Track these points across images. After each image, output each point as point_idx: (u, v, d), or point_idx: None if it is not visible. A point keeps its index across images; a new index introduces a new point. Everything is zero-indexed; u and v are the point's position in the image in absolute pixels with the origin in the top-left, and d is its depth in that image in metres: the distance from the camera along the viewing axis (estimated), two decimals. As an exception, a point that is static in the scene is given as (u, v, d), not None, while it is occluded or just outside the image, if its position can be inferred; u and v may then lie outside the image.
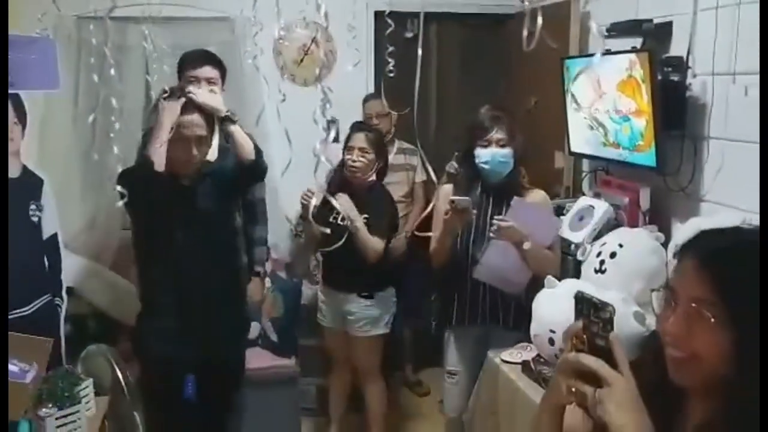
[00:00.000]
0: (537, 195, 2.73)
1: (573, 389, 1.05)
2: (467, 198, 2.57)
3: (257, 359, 3.48)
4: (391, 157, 3.60)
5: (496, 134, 2.63)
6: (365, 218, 2.95)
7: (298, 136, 1.34)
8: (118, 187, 1.73)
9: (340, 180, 3.06)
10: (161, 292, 2.49)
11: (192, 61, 2.88)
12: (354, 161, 3.00)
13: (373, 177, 3.09)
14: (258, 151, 2.50)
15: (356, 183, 3.02)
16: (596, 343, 1.04)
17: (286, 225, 3.82)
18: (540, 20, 0.85)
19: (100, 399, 2.30)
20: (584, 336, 1.06)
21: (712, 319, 0.99)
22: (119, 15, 2.99)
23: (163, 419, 2.47)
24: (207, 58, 2.91)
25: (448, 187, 2.84)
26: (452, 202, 2.54)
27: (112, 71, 1.82)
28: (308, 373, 3.60)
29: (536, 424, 1.18)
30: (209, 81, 2.88)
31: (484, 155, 2.65)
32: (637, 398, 1.02)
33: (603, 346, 1.03)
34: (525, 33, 0.93)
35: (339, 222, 2.88)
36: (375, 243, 2.94)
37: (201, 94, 2.45)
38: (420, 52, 1.05)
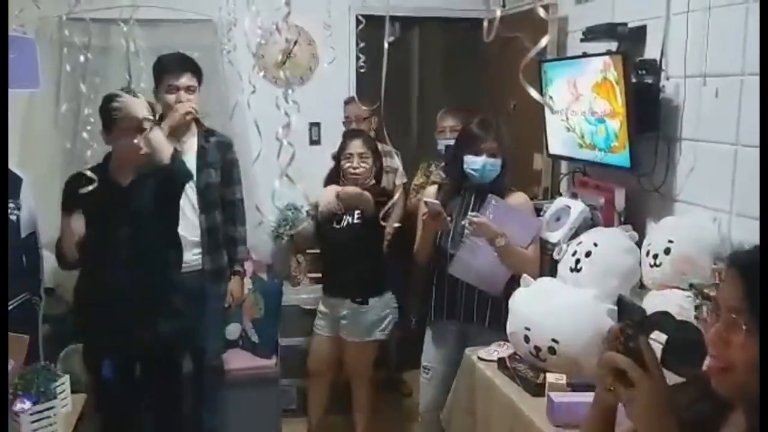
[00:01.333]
0: (518, 197, 2.78)
1: (611, 388, 1.10)
2: (437, 202, 2.63)
3: (238, 360, 3.49)
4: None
5: (488, 144, 2.68)
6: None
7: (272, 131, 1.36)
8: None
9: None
10: (94, 290, 2.56)
11: (171, 69, 2.91)
12: (355, 168, 3.05)
13: (373, 181, 3.13)
14: (175, 156, 2.55)
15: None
16: (629, 344, 1.09)
17: (267, 227, 3.82)
18: (498, 12, 0.88)
19: (78, 396, 2.31)
20: (621, 337, 1.11)
21: (744, 327, 1.01)
22: (101, 16, 3.03)
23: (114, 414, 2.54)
24: (186, 66, 2.94)
25: (431, 189, 2.90)
26: (426, 204, 2.60)
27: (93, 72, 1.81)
28: (288, 374, 3.61)
29: (585, 421, 1.23)
30: (188, 89, 2.91)
31: (474, 163, 2.70)
32: (664, 402, 1.05)
33: (633, 347, 1.09)
34: (485, 24, 0.96)
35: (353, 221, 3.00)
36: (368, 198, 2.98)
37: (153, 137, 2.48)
38: (386, 45, 1.07)
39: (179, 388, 2.88)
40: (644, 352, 1.07)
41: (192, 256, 3.01)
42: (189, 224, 2.99)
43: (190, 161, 2.98)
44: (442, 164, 3.29)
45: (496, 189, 2.70)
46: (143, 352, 2.68)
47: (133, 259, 2.54)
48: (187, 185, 2.92)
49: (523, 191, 2.86)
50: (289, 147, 0.91)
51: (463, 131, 2.89)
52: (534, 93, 0.92)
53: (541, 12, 0.96)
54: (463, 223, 2.64)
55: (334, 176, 3.15)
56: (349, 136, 3.19)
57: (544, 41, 0.89)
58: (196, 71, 2.96)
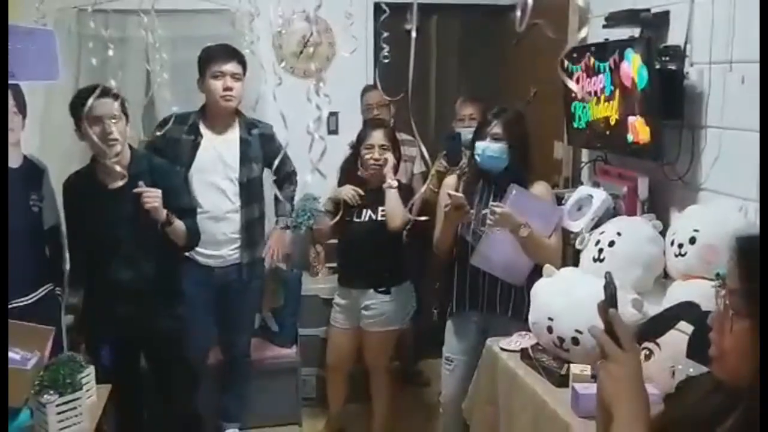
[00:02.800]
0: (540, 186, 2.76)
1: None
2: (461, 195, 2.61)
3: (258, 349, 3.52)
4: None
5: (494, 128, 2.67)
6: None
7: (297, 122, 1.35)
8: None
9: (356, 178, 3.09)
10: (93, 286, 2.73)
11: (218, 56, 2.95)
12: (377, 159, 3.04)
13: (394, 181, 3.11)
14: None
15: (375, 180, 3.06)
16: (607, 320, 1.12)
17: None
18: (531, 1, 0.86)
19: (102, 387, 2.33)
20: (601, 315, 1.14)
21: (732, 312, 1.00)
22: (119, 7, 3.03)
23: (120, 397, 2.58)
24: (232, 53, 2.98)
25: (451, 180, 2.88)
26: (449, 195, 2.58)
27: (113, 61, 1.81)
28: (308, 364, 3.63)
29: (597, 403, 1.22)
30: (234, 76, 2.93)
31: (478, 147, 2.70)
32: (635, 374, 1.07)
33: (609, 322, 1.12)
34: (518, 13, 0.94)
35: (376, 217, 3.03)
36: (403, 209, 2.99)
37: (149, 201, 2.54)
38: (414, 34, 1.05)
39: (186, 379, 2.96)
40: (615, 327, 1.09)
41: (229, 251, 3.06)
42: (226, 221, 3.03)
43: (233, 154, 3.02)
44: (444, 153, 3.27)
45: (516, 178, 2.68)
46: (144, 343, 2.80)
47: (130, 257, 2.63)
48: (226, 179, 2.99)
49: (544, 180, 2.83)
50: (321, 140, 0.90)
51: (481, 119, 2.88)
52: (571, 83, 0.90)
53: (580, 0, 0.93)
54: (484, 212, 2.62)
55: (352, 165, 3.13)
56: (371, 125, 3.17)
57: (582, 32, 0.87)
58: (242, 60, 2.98)
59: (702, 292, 2.11)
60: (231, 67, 2.93)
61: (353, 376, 3.40)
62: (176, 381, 2.89)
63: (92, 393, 2.21)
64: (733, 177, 2.36)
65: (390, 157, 3.07)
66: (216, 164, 3.00)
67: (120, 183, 2.59)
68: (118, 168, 2.46)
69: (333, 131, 4.01)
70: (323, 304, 3.59)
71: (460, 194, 2.61)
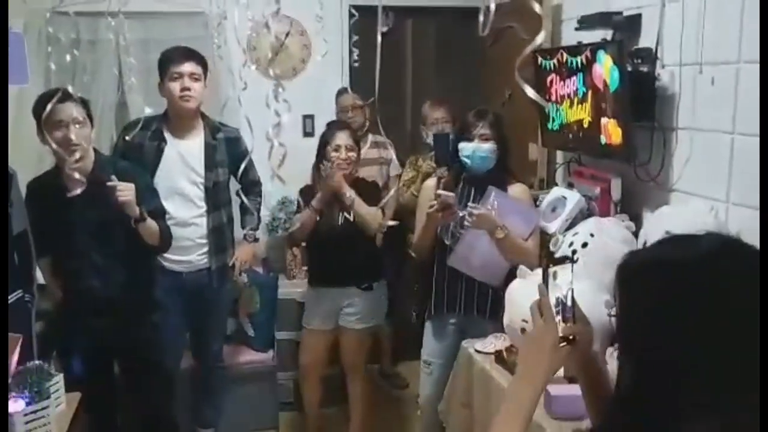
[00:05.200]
0: (518, 188, 2.77)
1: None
2: (452, 194, 2.61)
3: (234, 354, 3.49)
4: (364, 151, 3.62)
5: (480, 129, 2.68)
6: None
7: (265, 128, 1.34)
8: None
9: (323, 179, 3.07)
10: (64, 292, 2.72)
11: (174, 57, 2.91)
12: (345, 159, 3.03)
13: (357, 171, 3.14)
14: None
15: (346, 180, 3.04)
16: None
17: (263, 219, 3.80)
18: (493, 4, 0.85)
19: (72, 395, 2.29)
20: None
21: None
22: (90, 10, 3.00)
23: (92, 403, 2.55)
24: (189, 54, 2.94)
25: (431, 181, 2.87)
26: (438, 196, 2.58)
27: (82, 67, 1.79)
28: (286, 368, 3.60)
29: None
30: (192, 76, 2.90)
31: (465, 149, 2.70)
32: (544, 342, 1.17)
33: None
34: (481, 17, 0.94)
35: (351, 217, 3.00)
36: (375, 213, 3.00)
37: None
38: (379, 36, 1.04)
39: (160, 385, 2.93)
40: (540, 300, 1.20)
41: (197, 257, 3.03)
42: (193, 226, 3.00)
43: (197, 158, 3.00)
44: (431, 153, 3.27)
45: (495, 180, 2.69)
46: (116, 350, 2.78)
47: (98, 265, 2.62)
48: (192, 184, 2.97)
49: (520, 182, 2.84)
50: (281, 147, 0.88)
51: (460, 121, 2.88)
52: (530, 91, 0.89)
53: (537, 8, 0.93)
54: (462, 214, 2.62)
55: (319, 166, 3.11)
56: (335, 127, 3.16)
57: (540, 38, 0.87)
58: (201, 60, 2.95)
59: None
60: (188, 67, 2.89)
61: (330, 379, 3.38)
62: (150, 388, 2.87)
63: (61, 401, 2.18)
64: (704, 178, 2.38)
65: (355, 155, 3.08)
66: (180, 169, 2.97)
67: (81, 189, 2.56)
68: (76, 175, 2.41)
69: (309, 134, 3.99)
70: (300, 308, 3.56)
71: (450, 194, 2.61)
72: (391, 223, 2.98)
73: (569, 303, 1.23)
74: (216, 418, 3.32)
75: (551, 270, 1.23)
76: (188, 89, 2.89)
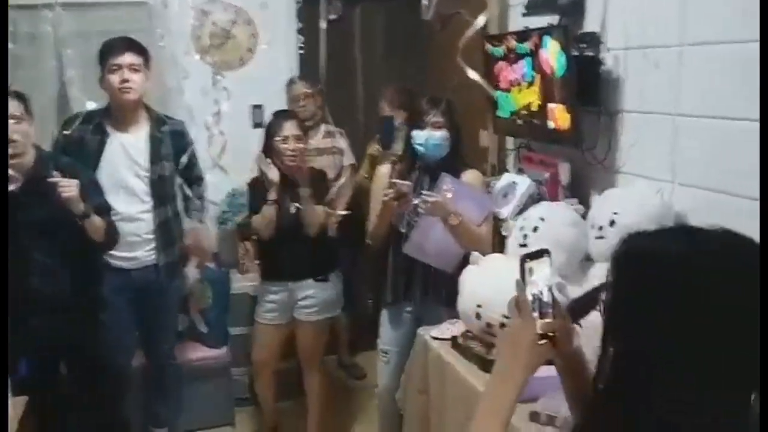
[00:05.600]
0: (472, 174, 2.78)
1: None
2: (409, 183, 2.60)
3: (187, 351, 3.43)
4: (317, 141, 3.59)
5: (433, 117, 2.67)
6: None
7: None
8: None
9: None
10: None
11: (113, 49, 2.82)
12: (293, 150, 2.97)
13: (306, 162, 3.08)
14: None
15: (291, 170, 2.99)
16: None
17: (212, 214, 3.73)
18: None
19: (18, 399, 2.21)
20: None
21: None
22: (27, 2, 2.90)
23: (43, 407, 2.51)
24: (128, 45, 2.85)
25: (385, 168, 2.86)
26: (393, 184, 2.56)
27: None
28: (240, 363, 3.55)
29: None
30: (131, 67, 2.81)
31: (418, 137, 2.69)
32: (521, 339, 1.14)
33: None
34: (425, 2, 0.92)
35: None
36: (320, 211, 3.00)
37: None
38: (323, 24, 1.01)
39: (110, 385, 2.87)
40: (517, 296, 1.17)
41: (144, 253, 2.95)
42: (138, 222, 2.92)
43: (141, 152, 2.91)
44: (377, 136, 3.26)
45: (449, 167, 2.69)
46: (63, 352, 2.71)
47: (42, 264, 2.53)
48: (137, 178, 2.89)
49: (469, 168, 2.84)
50: (221, 136, 0.85)
51: (413, 109, 2.87)
52: (472, 74, 0.88)
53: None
54: (416, 202, 2.61)
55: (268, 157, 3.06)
56: (282, 117, 3.09)
57: (481, 20, 0.85)
58: (141, 51, 2.86)
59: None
60: (128, 58, 2.80)
61: (285, 372, 3.34)
62: (100, 388, 2.79)
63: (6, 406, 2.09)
64: (650, 160, 2.42)
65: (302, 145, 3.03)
66: (124, 163, 2.89)
67: (16, 186, 2.47)
68: (11, 172, 2.32)
69: (258, 124, 3.92)
70: (253, 302, 3.51)
71: (407, 182, 2.60)
72: (343, 213, 2.96)
73: (546, 299, 1.19)
74: (170, 417, 3.26)
75: (527, 266, 1.17)
76: (127, 81, 2.81)
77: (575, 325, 2.00)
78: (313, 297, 3.09)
